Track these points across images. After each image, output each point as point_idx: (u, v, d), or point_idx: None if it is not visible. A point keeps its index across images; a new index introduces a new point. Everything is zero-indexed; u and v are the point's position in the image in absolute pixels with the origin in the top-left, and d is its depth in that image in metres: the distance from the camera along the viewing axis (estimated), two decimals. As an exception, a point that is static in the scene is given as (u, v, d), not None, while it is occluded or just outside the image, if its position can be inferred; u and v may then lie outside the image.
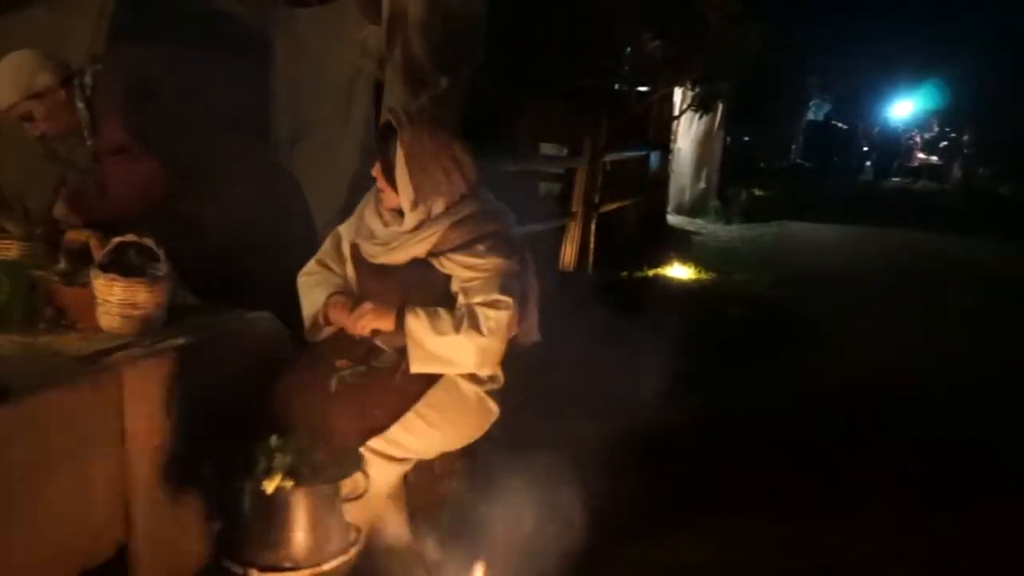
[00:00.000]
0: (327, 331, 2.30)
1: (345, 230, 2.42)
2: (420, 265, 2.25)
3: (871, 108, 26.80)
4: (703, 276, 7.42)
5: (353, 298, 2.31)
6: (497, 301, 2.18)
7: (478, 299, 2.19)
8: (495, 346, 2.20)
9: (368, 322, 2.19)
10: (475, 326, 2.16)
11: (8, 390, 1.65)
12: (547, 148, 8.65)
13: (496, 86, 5.18)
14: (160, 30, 3.49)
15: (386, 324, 2.18)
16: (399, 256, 2.25)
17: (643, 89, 8.32)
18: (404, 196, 2.21)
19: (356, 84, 3.65)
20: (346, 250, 2.40)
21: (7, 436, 1.60)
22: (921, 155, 22.47)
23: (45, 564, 1.71)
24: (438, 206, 2.22)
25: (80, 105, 2.49)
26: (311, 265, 2.44)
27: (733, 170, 12.46)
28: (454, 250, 2.22)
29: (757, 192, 12.11)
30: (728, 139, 12.89)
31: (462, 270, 2.22)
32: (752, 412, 4.01)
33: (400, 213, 2.26)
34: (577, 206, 6.93)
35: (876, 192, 18.59)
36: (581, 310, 4.97)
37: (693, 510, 2.95)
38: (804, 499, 3.14)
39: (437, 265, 2.23)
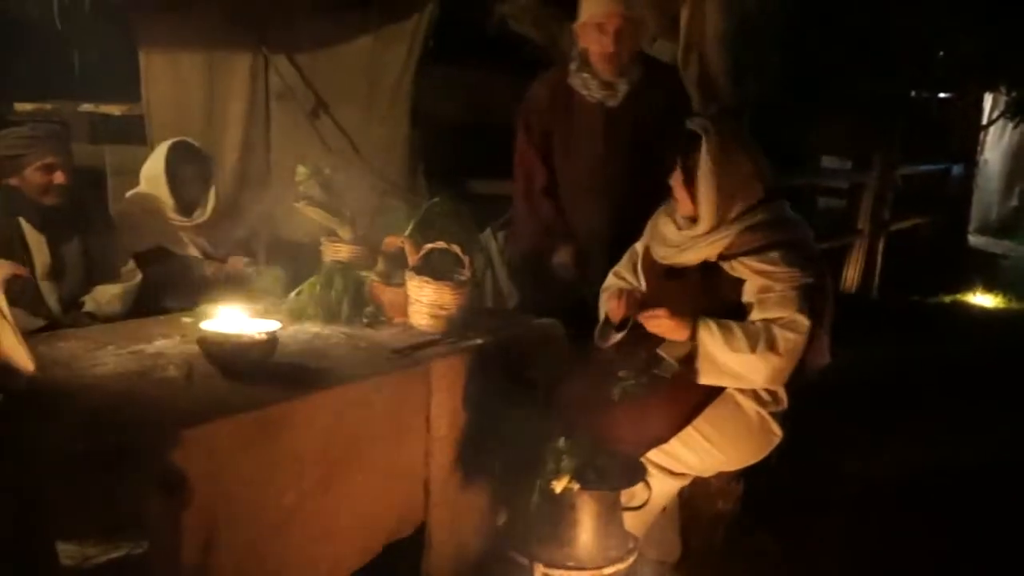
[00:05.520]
0: (615, 338, 2.33)
1: (640, 244, 2.46)
2: (710, 268, 2.23)
3: None
4: (1012, 306, 6.54)
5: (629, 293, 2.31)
6: (795, 322, 2.10)
7: (776, 315, 2.12)
8: (788, 366, 2.13)
9: (661, 326, 2.17)
10: (772, 346, 2.09)
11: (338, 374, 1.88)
12: (827, 161, 8.14)
13: (778, 94, 4.96)
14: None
15: (679, 335, 2.16)
16: (690, 257, 2.24)
17: (944, 95, 7.53)
18: (705, 202, 2.19)
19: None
20: (640, 258, 2.44)
21: (336, 413, 1.82)
22: None
23: (361, 531, 1.92)
24: (734, 210, 2.19)
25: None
26: (608, 279, 2.50)
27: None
28: (746, 254, 2.17)
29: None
30: (1050, 150, 11.23)
31: (754, 276, 2.16)
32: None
33: (693, 219, 2.25)
34: (863, 223, 6.48)
35: None
36: (865, 337, 4.59)
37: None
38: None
39: (728, 269, 2.20)
